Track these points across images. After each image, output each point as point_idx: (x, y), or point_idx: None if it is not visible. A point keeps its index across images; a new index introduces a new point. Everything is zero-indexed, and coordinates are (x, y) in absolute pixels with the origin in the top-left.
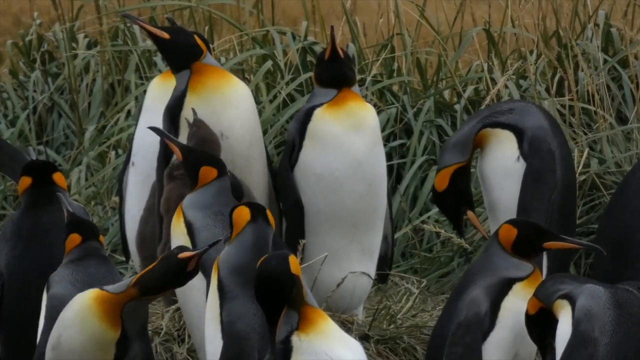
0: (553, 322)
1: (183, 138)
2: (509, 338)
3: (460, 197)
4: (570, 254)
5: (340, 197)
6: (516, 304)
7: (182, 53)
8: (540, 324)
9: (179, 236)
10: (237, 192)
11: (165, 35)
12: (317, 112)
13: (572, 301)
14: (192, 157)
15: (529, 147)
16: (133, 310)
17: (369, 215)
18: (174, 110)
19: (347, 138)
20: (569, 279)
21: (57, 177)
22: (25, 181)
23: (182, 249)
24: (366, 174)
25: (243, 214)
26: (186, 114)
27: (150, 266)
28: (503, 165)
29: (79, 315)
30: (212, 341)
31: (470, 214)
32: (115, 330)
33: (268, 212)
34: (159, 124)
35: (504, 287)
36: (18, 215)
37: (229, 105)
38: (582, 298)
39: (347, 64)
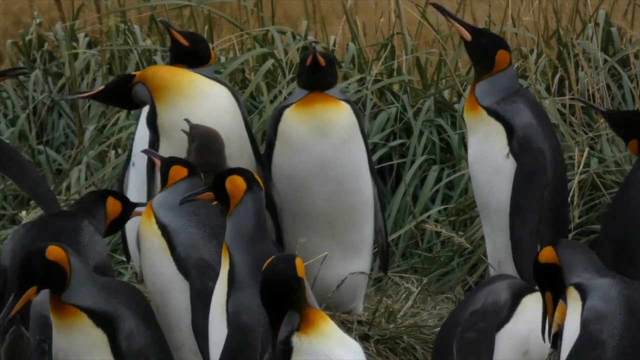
0: (560, 276)
1: (164, 145)
2: (522, 333)
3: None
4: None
5: (310, 197)
6: (537, 303)
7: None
8: (547, 274)
9: (151, 237)
10: None
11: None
12: (286, 113)
13: (584, 296)
14: (165, 161)
15: (519, 145)
16: (82, 292)
17: (345, 213)
18: (150, 120)
19: (311, 139)
20: (593, 265)
21: (111, 202)
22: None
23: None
24: (335, 173)
25: (238, 183)
26: (161, 121)
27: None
28: (492, 160)
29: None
30: (217, 329)
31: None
32: (76, 316)
33: (255, 175)
34: None
35: (529, 286)
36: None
37: (195, 103)
38: (594, 297)
39: (327, 70)
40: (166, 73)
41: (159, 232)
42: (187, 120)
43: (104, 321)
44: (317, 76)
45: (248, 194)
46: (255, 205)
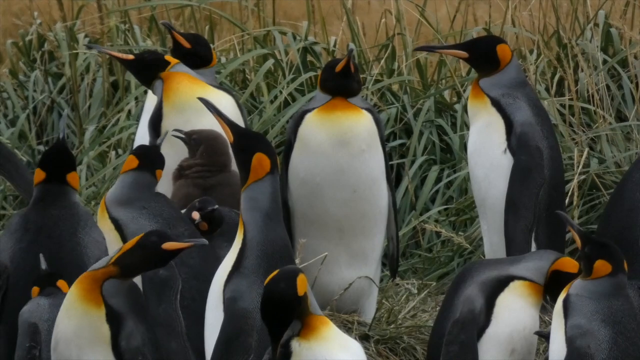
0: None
1: (165, 148)
2: (505, 333)
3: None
4: (561, 245)
5: (323, 202)
6: (511, 300)
7: (148, 66)
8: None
9: (107, 232)
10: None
11: (130, 57)
12: (307, 117)
13: (566, 314)
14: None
15: (517, 142)
16: (113, 286)
17: (356, 220)
18: (154, 121)
19: (329, 146)
20: (594, 290)
21: (71, 177)
22: (40, 175)
23: (160, 235)
24: (350, 181)
25: (264, 164)
26: (166, 124)
27: (129, 246)
28: (490, 155)
29: (65, 304)
30: (213, 311)
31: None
32: (97, 306)
33: (278, 160)
34: None
35: (500, 283)
36: (26, 209)
37: (203, 114)
38: (575, 315)
39: (355, 77)
40: (184, 80)
41: (112, 226)
42: (178, 131)
43: (113, 318)
44: (345, 83)
45: (269, 176)
46: (274, 187)
